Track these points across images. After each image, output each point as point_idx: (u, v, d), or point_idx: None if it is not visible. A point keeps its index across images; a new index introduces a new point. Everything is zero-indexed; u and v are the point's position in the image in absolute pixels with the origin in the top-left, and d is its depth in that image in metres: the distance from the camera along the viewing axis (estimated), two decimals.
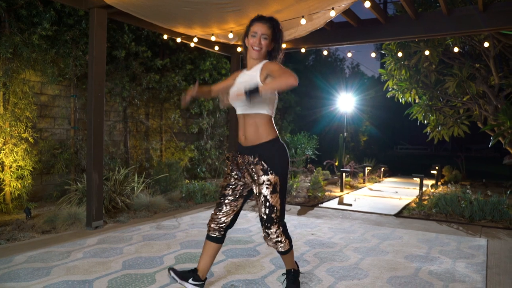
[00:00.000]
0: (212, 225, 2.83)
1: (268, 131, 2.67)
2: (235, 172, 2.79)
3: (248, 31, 2.70)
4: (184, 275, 2.88)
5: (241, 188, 2.82)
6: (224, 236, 2.87)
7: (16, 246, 4.01)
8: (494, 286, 3.24)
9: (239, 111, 2.74)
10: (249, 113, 2.68)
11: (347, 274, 3.42)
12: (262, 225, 2.70)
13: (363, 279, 3.31)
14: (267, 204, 2.64)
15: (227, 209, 2.81)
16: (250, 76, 2.68)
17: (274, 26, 2.68)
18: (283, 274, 3.06)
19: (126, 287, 3.01)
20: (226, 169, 2.89)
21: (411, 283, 3.24)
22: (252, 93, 2.37)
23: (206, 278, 2.92)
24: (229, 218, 2.83)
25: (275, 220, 2.66)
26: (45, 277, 3.18)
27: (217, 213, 2.82)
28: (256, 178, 2.68)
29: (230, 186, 2.81)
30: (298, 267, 3.00)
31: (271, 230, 2.67)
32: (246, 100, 2.41)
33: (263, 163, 2.63)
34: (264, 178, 2.63)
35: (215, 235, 2.84)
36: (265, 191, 2.64)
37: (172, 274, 2.89)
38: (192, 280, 2.85)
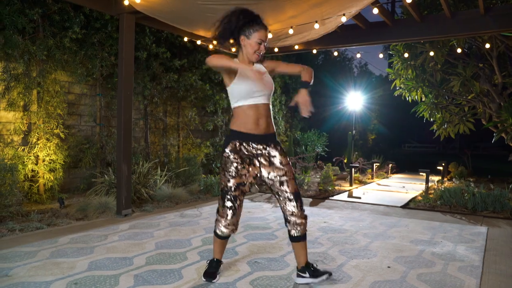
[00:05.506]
0: (231, 229, 2.96)
1: (273, 122, 2.98)
2: (243, 166, 2.88)
3: (252, 32, 2.80)
4: (215, 272, 3.09)
5: (247, 184, 2.92)
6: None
7: (57, 230, 4.44)
8: (490, 264, 3.61)
9: (259, 100, 2.85)
10: (266, 102, 2.89)
11: (358, 254, 3.80)
12: (295, 200, 2.89)
13: (372, 258, 3.70)
14: (295, 180, 2.94)
15: (239, 210, 2.95)
16: (258, 70, 2.73)
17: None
18: (304, 268, 3.04)
19: (162, 263, 3.42)
20: (230, 166, 2.88)
21: (415, 262, 3.62)
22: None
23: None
24: (240, 214, 3.00)
25: (300, 196, 2.97)
26: (89, 254, 3.60)
27: (232, 216, 2.91)
28: (275, 161, 2.90)
29: (240, 187, 2.88)
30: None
31: (301, 203, 2.93)
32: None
33: (278, 147, 2.94)
34: (285, 160, 2.92)
35: (229, 233, 2.99)
36: (289, 168, 2.92)
37: (214, 280, 3.06)
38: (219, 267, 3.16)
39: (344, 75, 16.35)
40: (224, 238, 3.06)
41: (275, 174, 2.91)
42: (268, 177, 2.93)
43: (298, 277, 3.05)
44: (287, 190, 2.90)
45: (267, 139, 2.91)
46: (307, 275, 3.00)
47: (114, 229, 4.53)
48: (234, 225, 2.96)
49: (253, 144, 2.88)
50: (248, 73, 2.65)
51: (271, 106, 2.95)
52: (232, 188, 2.88)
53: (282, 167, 2.91)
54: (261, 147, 2.90)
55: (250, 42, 2.81)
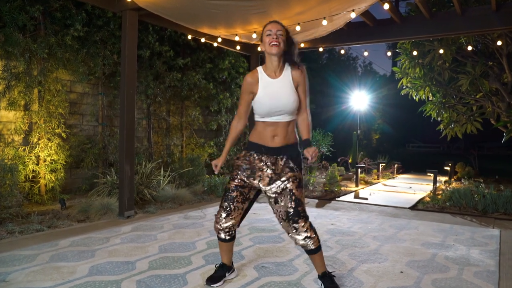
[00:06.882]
0: (222, 229, 2.85)
1: (294, 134, 2.84)
2: (246, 173, 2.79)
3: (263, 34, 2.78)
4: (219, 277, 2.99)
5: (249, 190, 2.84)
6: (235, 232, 2.96)
7: (58, 232, 4.32)
8: (506, 269, 3.47)
9: (279, 119, 2.77)
10: (287, 120, 2.78)
11: (368, 258, 3.67)
12: (287, 220, 2.68)
13: (383, 263, 3.56)
14: (293, 197, 2.68)
15: (235, 214, 2.82)
16: (282, 87, 2.75)
17: (285, 28, 2.78)
18: (319, 278, 2.87)
19: (166, 267, 3.29)
20: (236, 169, 2.85)
21: (428, 266, 3.48)
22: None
23: (232, 263, 3.09)
24: (238, 220, 2.87)
25: (301, 214, 2.68)
26: (90, 258, 3.47)
27: (225, 217, 2.81)
28: (280, 175, 2.73)
29: (239, 189, 2.81)
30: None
31: (299, 224, 2.66)
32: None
33: (290, 161, 2.75)
34: (290, 174, 2.72)
35: (228, 237, 2.90)
36: (291, 185, 2.70)
37: (213, 285, 2.96)
38: (228, 273, 3.05)
39: (348, 74, 16.24)
40: (223, 241, 2.93)
41: (273, 189, 2.73)
42: (265, 191, 2.78)
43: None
44: (280, 209, 2.73)
45: (280, 151, 2.77)
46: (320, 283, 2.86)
47: (116, 231, 4.40)
48: (229, 229, 2.85)
49: (264, 156, 2.78)
50: (267, 96, 2.74)
51: (292, 121, 2.82)
52: (230, 190, 2.81)
53: (284, 180, 2.73)
54: (272, 159, 2.77)
55: (263, 39, 2.76)
